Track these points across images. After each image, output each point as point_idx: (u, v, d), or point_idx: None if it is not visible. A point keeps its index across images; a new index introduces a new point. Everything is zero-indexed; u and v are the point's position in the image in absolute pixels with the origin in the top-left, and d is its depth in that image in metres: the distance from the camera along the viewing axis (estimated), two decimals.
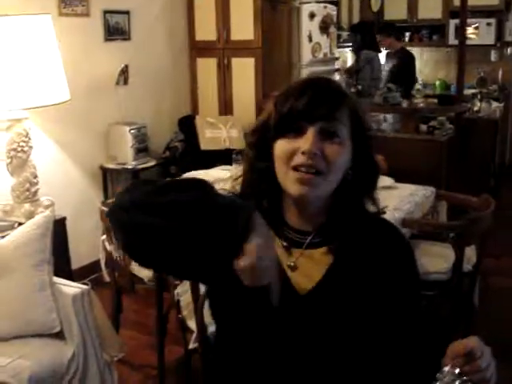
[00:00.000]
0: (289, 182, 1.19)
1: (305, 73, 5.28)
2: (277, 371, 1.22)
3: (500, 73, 7.29)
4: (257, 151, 1.27)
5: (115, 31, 4.49)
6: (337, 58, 6.13)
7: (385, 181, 3.47)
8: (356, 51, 6.00)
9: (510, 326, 3.54)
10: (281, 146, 1.20)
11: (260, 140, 1.26)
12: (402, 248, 1.31)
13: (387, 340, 1.24)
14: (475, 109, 5.92)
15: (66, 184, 4.16)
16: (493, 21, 7.07)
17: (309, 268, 1.24)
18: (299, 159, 1.16)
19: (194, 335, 2.54)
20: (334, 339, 1.21)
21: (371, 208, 1.30)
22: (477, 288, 3.15)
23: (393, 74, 6.13)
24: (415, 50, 7.65)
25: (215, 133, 4.79)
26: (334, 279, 1.23)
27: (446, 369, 1.10)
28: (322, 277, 1.23)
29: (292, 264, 1.25)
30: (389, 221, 1.36)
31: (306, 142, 1.16)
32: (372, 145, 1.27)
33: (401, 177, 3.55)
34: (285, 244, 1.26)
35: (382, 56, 6.52)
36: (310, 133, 1.16)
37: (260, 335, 1.22)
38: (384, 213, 1.32)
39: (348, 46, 6.96)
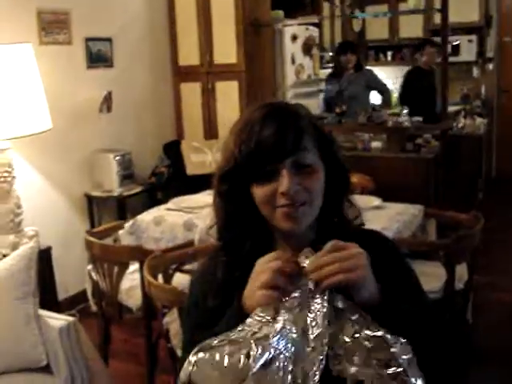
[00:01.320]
0: (277, 219, 1.18)
1: (289, 95, 5.28)
2: None
3: (483, 88, 7.35)
4: (231, 197, 1.22)
5: (98, 58, 4.48)
6: (321, 80, 6.14)
7: (372, 201, 3.46)
8: (340, 72, 5.95)
9: (504, 339, 3.53)
10: (259, 192, 1.18)
11: (232, 186, 1.21)
12: (393, 256, 1.29)
13: None
14: (460, 125, 5.95)
15: (51, 213, 4.12)
16: (474, 37, 7.14)
17: None
18: (281, 201, 1.15)
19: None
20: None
21: (353, 220, 1.30)
22: (470, 305, 3.12)
23: (424, 94, 6.05)
24: (397, 69, 7.71)
25: (201, 157, 4.77)
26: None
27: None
28: None
29: None
30: (375, 230, 1.36)
31: (282, 182, 1.14)
32: (338, 151, 1.26)
33: (388, 196, 3.53)
34: None
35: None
36: (284, 172, 1.14)
37: None
38: (363, 224, 1.32)
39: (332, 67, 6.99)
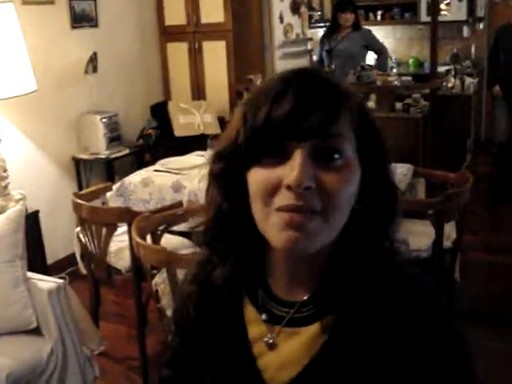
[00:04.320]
0: (271, 228, 0.80)
1: (278, 54, 5.21)
2: None
3: (473, 48, 7.30)
4: (225, 184, 0.88)
5: (82, 18, 4.39)
6: (310, 39, 6.07)
7: None
8: (336, 30, 5.83)
9: (490, 299, 3.57)
10: (256, 178, 0.81)
11: (228, 168, 0.87)
12: (440, 343, 0.83)
13: None
14: (449, 85, 5.91)
15: (38, 177, 4.08)
16: None
17: (291, 351, 0.88)
18: (284, 198, 0.78)
19: None
20: None
21: (397, 259, 0.88)
22: (457, 264, 3.15)
23: None
24: (388, 29, 7.63)
25: (189, 118, 4.73)
26: (323, 370, 0.84)
27: None
28: (306, 366, 0.85)
29: (271, 341, 0.89)
30: (429, 289, 0.88)
31: (291, 170, 0.77)
32: (388, 161, 0.89)
33: None
34: (264, 318, 0.90)
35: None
36: (298, 156, 0.77)
37: None
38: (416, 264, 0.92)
39: (321, 26, 6.89)
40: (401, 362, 0.81)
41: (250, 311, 0.92)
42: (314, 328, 0.86)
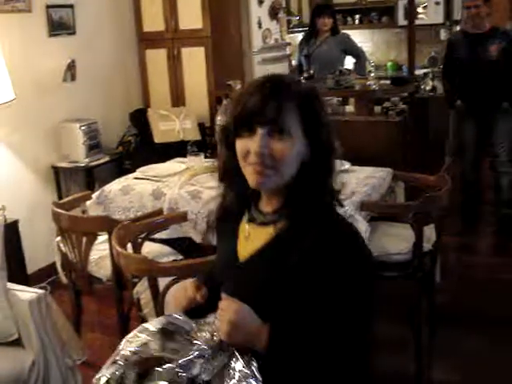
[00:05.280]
0: (247, 174, 1.35)
1: (256, 60, 5.23)
2: None
3: None
4: (226, 147, 1.41)
5: (59, 26, 4.36)
6: (288, 44, 6.09)
7: (341, 164, 3.46)
8: (314, 35, 5.85)
9: (470, 299, 3.60)
10: (238, 146, 1.35)
11: (227, 137, 1.39)
12: (347, 256, 1.31)
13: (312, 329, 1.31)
14: (427, 88, 5.96)
15: (17, 186, 4.05)
16: None
17: (256, 239, 1.42)
18: (252, 159, 1.32)
19: None
20: (259, 309, 1.33)
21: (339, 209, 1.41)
22: (438, 266, 3.17)
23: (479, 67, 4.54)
24: (366, 33, 7.68)
25: (169, 125, 4.72)
26: (267, 254, 1.38)
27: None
28: (257, 249, 1.40)
29: (247, 234, 1.45)
30: (348, 223, 1.42)
31: (254, 142, 1.30)
32: (328, 131, 1.37)
33: (357, 159, 3.53)
34: (247, 219, 1.46)
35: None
36: (259, 134, 1.30)
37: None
38: (342, 205, 1.42)
39: (299, 31, 6.92)
40: (319, 261, 1.29)
41: (244, 219, 1.48)
42: (273, 228, 1.39)
